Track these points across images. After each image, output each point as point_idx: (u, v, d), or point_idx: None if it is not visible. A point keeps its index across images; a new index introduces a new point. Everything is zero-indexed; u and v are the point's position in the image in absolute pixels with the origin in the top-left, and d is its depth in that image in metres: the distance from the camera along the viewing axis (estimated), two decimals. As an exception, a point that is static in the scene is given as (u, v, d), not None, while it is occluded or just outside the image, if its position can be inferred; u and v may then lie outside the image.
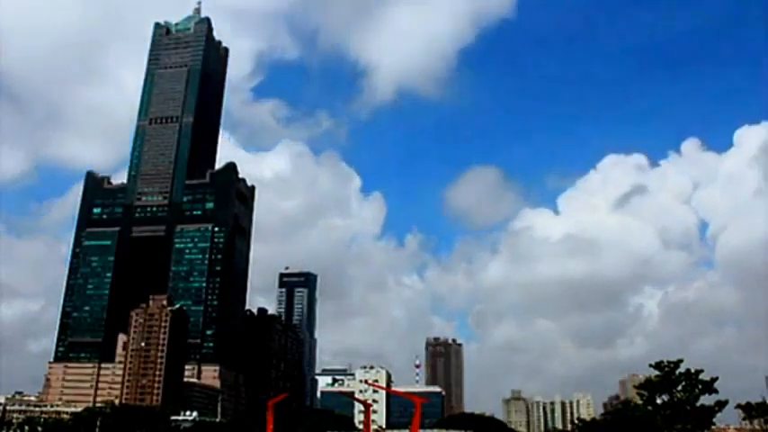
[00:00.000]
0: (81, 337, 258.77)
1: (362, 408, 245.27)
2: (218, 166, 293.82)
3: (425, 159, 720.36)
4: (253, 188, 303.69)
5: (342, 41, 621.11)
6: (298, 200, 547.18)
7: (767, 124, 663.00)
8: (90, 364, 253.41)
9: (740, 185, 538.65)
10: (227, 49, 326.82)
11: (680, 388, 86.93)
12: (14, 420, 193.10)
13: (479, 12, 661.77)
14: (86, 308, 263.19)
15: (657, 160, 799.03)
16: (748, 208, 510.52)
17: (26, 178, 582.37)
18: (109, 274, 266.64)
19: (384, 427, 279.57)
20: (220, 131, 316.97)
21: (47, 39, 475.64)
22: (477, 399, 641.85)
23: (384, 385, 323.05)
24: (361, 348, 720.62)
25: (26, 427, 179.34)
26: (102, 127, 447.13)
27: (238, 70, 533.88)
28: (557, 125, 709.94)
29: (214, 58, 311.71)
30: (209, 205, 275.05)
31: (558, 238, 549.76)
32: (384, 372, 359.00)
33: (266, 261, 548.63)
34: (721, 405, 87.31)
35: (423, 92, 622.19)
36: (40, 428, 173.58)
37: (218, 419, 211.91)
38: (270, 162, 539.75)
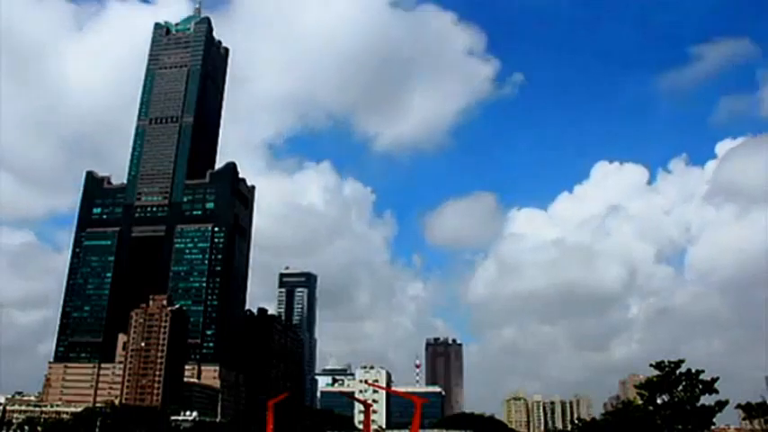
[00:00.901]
0: (81, 337, 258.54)
1: (362, 408, 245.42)
2: (218, 166, 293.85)
3: (433, 188, 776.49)
4: (253, 188, 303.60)
5: (353, 116, 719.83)
6: (320, 215, 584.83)
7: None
8: (90, 364, 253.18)
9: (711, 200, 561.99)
10: (227, 49, 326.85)
11: (680, 388, 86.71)
12: (14, 420, 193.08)
13: (477, 95, 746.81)
14: (86, 308, 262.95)
15: (650, 171, 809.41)
16: (717, 221, 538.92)
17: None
18: (109, 274, 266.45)
19: (384, 427, 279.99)
20: (220, 132, 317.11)
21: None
22: (477, 399, 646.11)
23: (384, 385, 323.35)
24: (362, 349, 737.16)
25: (26, 427, 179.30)
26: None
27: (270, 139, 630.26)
28: (549, 137, 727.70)
29: (214, 58, 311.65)
30: (210, 205, 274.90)
31: (550, 246, 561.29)
32: (384, 372, 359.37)
33: (266, 261, 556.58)
34: (721, 405, 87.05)
35: (422, 148, 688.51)
36: (40, 428, 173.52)
37: (218, 419, 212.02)
38: (298, 181, 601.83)
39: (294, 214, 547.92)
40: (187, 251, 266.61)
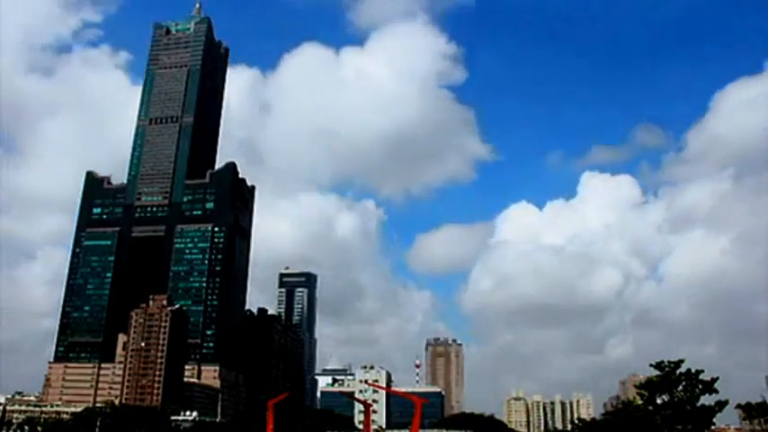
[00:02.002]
0: (81, 337, 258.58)
1: (362, 408, 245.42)
2: (218, 166, 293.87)
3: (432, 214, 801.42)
4: (253, 188, 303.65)
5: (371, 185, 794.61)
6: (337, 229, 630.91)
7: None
8: (90, 364, 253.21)
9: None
10: (227, 49, 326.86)
11: (680, 388, 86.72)
12: (14, 420, 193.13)
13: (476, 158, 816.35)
14: (86, 308, 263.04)
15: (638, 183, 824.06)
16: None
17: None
18: (109, 274, 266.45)
19: (384, 427, 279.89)
20: (220, 133, 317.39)
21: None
22: (477, 399, 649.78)
23: (384, 385, 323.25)
24: (364, 351, 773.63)
25: (26, 427, 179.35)
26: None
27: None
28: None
29: (214, 58, 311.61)
30: (210, 205, 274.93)
31: (537, 253, 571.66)
32: (384, 372, 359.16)
33: (266, 261, 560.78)
34: (721, 405, 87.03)
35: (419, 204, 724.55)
36: (40, 428, 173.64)
37: (218, 419, 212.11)
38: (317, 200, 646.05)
39: (314, 227, 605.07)
40: (187, 251, 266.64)
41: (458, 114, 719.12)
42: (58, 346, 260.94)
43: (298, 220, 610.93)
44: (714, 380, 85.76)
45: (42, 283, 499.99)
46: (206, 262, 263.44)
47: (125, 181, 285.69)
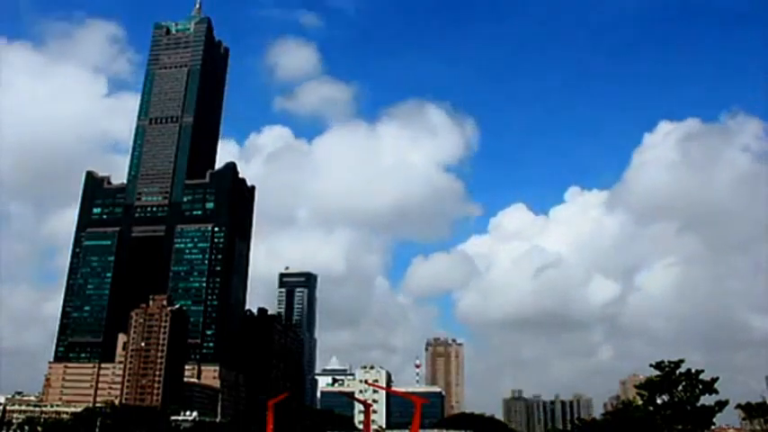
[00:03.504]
0: (81, 337, 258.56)
1: (362, 408, 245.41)
2: (218, 166, 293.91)
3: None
4: (253, 188, 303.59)
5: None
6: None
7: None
8: (90, 364, 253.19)
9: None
10: (227, 49, 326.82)
11: (680, 388, 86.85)
12: (14, 420, 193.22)
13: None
14: (86, 308, 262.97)
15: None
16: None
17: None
18: (109, 274, 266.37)
19: (384, 427, 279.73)
20: (220, 132, 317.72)
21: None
22: (477, 399, 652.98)
23: (384, 385, 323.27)
24: (364, 352, 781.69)
25: (26, 427, 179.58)
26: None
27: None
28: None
29: (214, 58, 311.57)
30: (210, 205, 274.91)
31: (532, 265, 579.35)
32: (384, 372, 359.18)
33: (266, 261, 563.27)
34: (721, 405, 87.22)
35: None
36: (39, 428, 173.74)
37: (218, 419, 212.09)
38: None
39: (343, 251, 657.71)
40: (187, 251, 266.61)
41: (459, 189, 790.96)
42: (58, 346, 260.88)
43: (330, 245, 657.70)
44: (714, 380, 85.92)
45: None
46: (206, 262, 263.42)
47: (125, 181, 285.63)
